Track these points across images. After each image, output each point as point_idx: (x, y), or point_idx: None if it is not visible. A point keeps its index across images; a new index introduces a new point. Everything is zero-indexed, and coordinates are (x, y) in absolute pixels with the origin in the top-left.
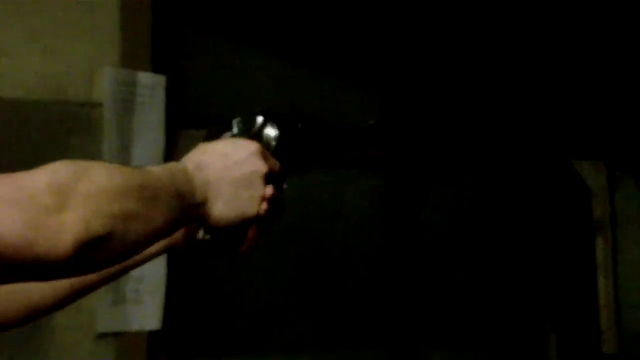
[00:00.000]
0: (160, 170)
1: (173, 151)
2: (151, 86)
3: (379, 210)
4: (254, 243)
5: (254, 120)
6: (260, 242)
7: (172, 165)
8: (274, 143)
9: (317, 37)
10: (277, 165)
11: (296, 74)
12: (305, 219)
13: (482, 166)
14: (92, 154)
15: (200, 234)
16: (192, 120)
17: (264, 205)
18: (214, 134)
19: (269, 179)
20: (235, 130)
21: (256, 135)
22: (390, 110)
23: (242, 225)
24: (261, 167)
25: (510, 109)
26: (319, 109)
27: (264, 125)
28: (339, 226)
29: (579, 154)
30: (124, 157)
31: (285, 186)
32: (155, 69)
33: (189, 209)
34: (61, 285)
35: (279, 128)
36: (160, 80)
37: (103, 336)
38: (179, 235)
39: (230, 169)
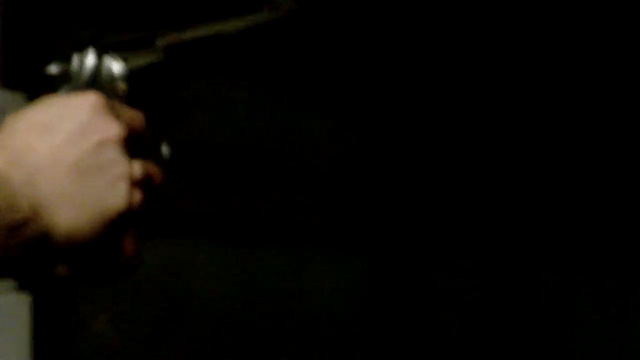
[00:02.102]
0: None
1: None
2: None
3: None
4: (136, 250)
5: (79, 56)
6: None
7: None
8: (123, 84)
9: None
10: (137, 117)
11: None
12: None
13: None
14: None
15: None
16: None
17: (135, 191)
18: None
19: (130, 144)
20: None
21: (90, 80)
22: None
23: (108, 229)
24: (111, 129)
25: None
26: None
27: (99, 60)
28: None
29: None
30: None
31: (165, 149)
32: (8, 85)
33: (13, 233)
34: None
35: (124, 57)
36: (15, 99)
37: None
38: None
39: (62, 150)
